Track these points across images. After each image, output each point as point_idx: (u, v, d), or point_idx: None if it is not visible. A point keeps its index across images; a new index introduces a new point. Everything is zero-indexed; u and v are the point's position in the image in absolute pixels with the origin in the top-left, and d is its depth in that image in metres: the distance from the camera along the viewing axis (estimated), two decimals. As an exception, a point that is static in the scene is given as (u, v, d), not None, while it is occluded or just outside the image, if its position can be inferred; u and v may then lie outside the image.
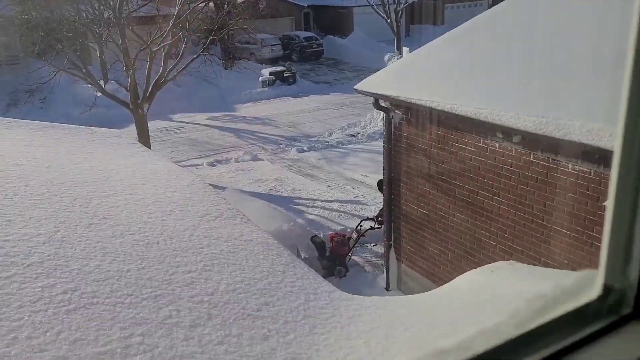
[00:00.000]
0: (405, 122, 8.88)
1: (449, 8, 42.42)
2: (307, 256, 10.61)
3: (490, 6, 43.63)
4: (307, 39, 35.87)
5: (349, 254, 10.80)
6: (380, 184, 10.52)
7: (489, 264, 3.62)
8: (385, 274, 10.12)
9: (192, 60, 16.13)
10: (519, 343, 0.54)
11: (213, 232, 4.01)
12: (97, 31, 16.11)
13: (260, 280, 3.40)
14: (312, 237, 11.14)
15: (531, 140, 6.70)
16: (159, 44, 15.14)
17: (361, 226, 11.07)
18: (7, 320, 2.46)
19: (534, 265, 6.74)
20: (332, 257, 10.59)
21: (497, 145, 7.28)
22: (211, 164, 17.42)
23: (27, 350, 2.34)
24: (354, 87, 9.42)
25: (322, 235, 11.29)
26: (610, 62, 7.00)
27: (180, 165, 17.00)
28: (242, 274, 3.44)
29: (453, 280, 3.52)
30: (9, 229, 3.19)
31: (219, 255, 3.63)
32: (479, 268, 3.56)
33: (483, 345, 0.51)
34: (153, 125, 19.60)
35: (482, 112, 6.98)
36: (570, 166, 6.42)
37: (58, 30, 14.91)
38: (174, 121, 23.07)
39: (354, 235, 10.89)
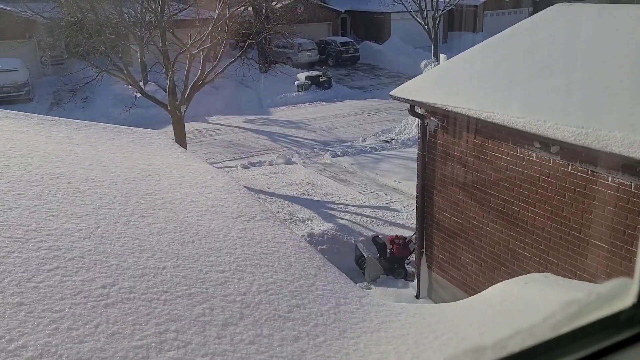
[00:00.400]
0: (440, 129, 8.82)
1: (487, 15, 41.90)
2: (370, 255, 10.85)
3: (530, 14, 42.98)
4: (343, 44, 35.94)
5: (409, 257, 10.98)
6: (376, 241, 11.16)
7: (523, 275, 3.57)
8: (415, 281, 10.05)
9: (229, 64, 16.36)
10: (553, 345, 0.55)
11: (247, 234, 4.07)
12: (139, 34, 16.50)
13: (292, 283, 3.43)
14: (373, 238, 11.52)
15: (570, 151, 6.57)
16: (198, 47, 15.41)
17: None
18: (49, 312, 2.56)
19: (570, 278, 6.61)
20: (393, 258, 10.90)
21: (534, 155, 7.17)
22: (245, 166, 17.61)
23: (67, 341, 2.42)
24: (390, 93, 9.41)
25: (382, 237, 11.53)
26: (655, 72, 6.83)
27: (215, 167, 17.29)
28: (275, 276, 3.48)
29: (485, 291, 3.49)
30: (53, 223, 3.31)
31: (251, 256, 3.69)
32: (512, 279, 3.52)
33: (518, 345, 0.52)
34: (190, 127, 19.98)
35: (520, 121, 6.88)
36: (610, 178, 6.27)
37: (102, 32, 15.34)
38: (210, 123, 23.41)
39: (414, 238, 10.97)
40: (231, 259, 3.53)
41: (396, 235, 11.29)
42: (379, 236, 11.59)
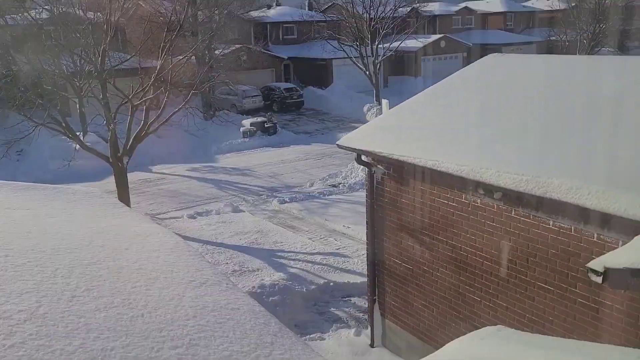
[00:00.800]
0: (387, 177, 8.97)
1: (425, 60, 43.65)
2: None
3: (464, 59, 45.13)
4: (287, 89, 36.46)
5: None
6: None
7: (478, 330, 3.60)
8: (369, 329, 9.98)
9: (173, 114, 16.19)
10: None
11: (199, 301, 3.93)
12: (78, 84, 16.17)
13: (248, 354, 3.32)
14: None
15: (512, 197, 6.80)
16: (140, 98, 15.21)
17: None
18: (-14, 411, 2.35)
19: (522, 329, 6.73)
20: None
21: (479, 201, 7.37)
22: (192, 216, 17.26)
23: None
24: (337, 142, 9.53)
25: None
26: (587, 120, 7.24)
27: (161, 218, 16.86)
28: (230, 347, 3.36)
29: (442, 349, 3.49)
30: (-11, 306, 3.10)
31: (205, 327, 3.56)
32: (467, 335, 3.54)
33: None
34: (133, 177, 19.50)
35: (464, 169, 7.09)
36: (551, 223, 6.51)
37: (39, 84, 14.92)
38: (154, 172, 22.96)
39: None
40: (184, 332, 3.39)
41: None
42: None
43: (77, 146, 16.12)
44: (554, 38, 40.20)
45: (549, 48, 42.63)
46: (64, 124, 14.62)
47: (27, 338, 2.87)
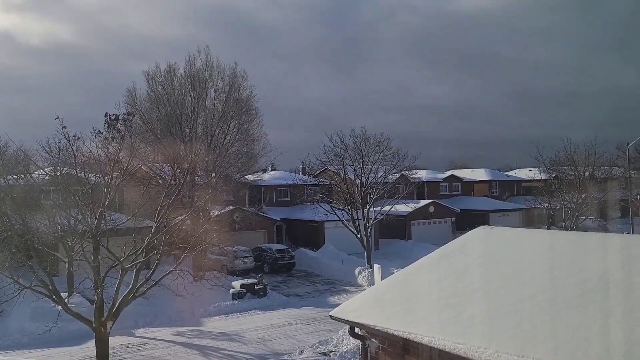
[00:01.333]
0: (382, 351, 8.59)
1: (415, 224, 44.61)
2: None
3: (453, 224, 46.14)
4: (279, 251, 36.57)
5: None
6: None
7: None
8: None
9: (164, 276, 16.00)
10: None
11: None
12: (70, 244, 16.14)
13: None
14: None
15: (514, 380, 6.44)
16: (132, 261, 15.12)
17: None
18: None
19: None
20: None
21: (479, 382, 6.97)
22: (172, 389, 16.15)
23: None
24: (330, 313, 9.29)
25: None
26: (580, 298, 7.16)
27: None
28: None
29: None
30: None
31: None
32: None
33: None
34: (114, 341, 18.60)
35: (461, 347, 6.83)
36: (557, 410, 6.09)
37: (30, 246, 14.89)
38: (136, 337, 21.98)
39: None
40: None
41: None
42: None
43: (61, 308, 15.60)
44: (538, 206, 41.63)
45: (534, 215, 43.96)
46: (50, 287, 14.30)
47: None
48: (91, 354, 14.75)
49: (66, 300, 16.37)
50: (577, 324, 6.57)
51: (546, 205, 39.91)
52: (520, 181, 62.00)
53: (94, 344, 15.27)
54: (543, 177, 44.51)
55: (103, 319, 14.63)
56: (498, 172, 64.83)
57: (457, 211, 46.85)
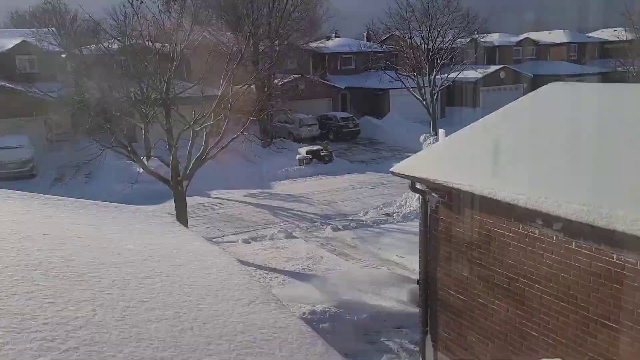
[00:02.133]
0: (442, 205, 8.82)
1: (484, 91, 43.10)
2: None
3: (525, 91, 44.21)
4: (344, 119, 36.75)
5: None
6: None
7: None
8: (421, 361, 9.71)
9: (232, 140, 16.63)
10: None
11: (247, 318, 3.96)
12: (144, 111, 16.90)
13: (293, 373, 3.31)
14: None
15: (573, 229, 6.53)
16: (201, 125, 15.73)
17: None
18: (39, 410, 2.44)
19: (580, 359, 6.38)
20: None
21: (537, 232, 7.12)
22: (246, 241, 17.51)
23: None
24: (390, 169, 9.49)
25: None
26: (652, 150, 6.91)
27: (216, 242, 17.18)
28: (276, 365, 3.36)
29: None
30: (49, 311, 3.23)
31: (252, 343, 3.58)
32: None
33: None
34: (191, 201, 20.04)
35: (521, 198, 6.89)
36: (615, 256, 6.20)
37: (107, 110, 15.73)
38: (211, 197, 23.51)
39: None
40: (231, 347, 3.42)
41: None
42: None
43: (141, 170, 16.76)
44: (620, 69, 38.86)
45: (615, 79, 41.24)
46: (129, 148, 15.28)
47: (81, 343, 2.97)
48: (171, 211, 15.99)
49: (145, 163, 17.52)
50: (645, 175, 6.41)
51: (630, 68, 37.19)
52: (603, 43, 57.43)
53: (173, 203, 16.50)
54: (629, 38, 40.99)
55: (179, 178, 15.64)
56: (578, 34, 59.99)
57: (530, 77, 44.62)
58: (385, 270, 14.37)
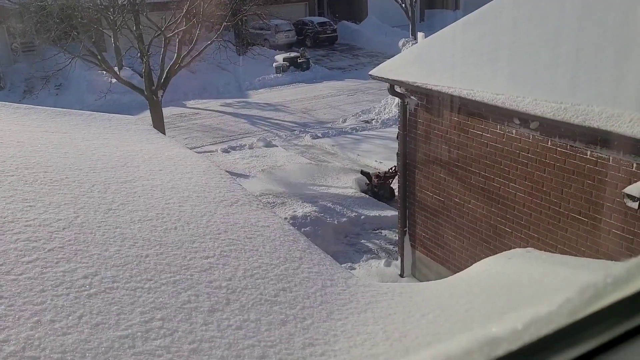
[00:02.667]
0: (420, 108, 8.81)
1: (464, -7, 41.79)
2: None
3: (506, -10, 42.89)
4: (321, 24, 35.63)
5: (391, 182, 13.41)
6: (363, 172, 13.73)
7: (506, 251, 3.60)
8: (399, 260, 10.12)
9: (206, 47, 16.10)
10: (570, 332, 0.53)
11: (230, 218, 4.03)
12: (112, 17, 16.13)
13: (277, 266, 3.41)
14: (361, 170, 14.08)
15: (549, 127, 6.61)
16: (173, 30, 15.13)
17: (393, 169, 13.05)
18: (30, 304, 2.50)
19: (551, 252, 6.70)
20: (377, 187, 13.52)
21: (514, 131, 7.21)
22: (225, 151, 17.47)
23: (50, 333, 2.37)
24: (369, 72, 9.35)
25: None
26: (631, 45, 6.89)
27: (195, 152, 17.13)
28: (260, 260, 3.45)
29: (469, 268, 3.52)
30: (30, 214, 3.23)
31: (236, 241, 3.65)
32: (495, 255, 3.54)
33: (535, 334, 0.50)
34: (167, 112, 19.70)
35: (500, 98, 6.90)
36: (588, 153, 6.34)
37: (73, 17, 14.96)
38: (188, 107, 23.13)
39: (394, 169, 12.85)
40: (215, 245, 3.49)
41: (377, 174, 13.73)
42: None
43: (113, 79, 16.27)
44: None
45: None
46: (99, 57, 14.72)
47: (65, 243, 3.00)
48: (147, 121, 15.74)
49: (117, 72, 16.96)
50: (626, 71, 6.43)
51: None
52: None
53: (149, 114, 16.20)
54: None
55: (153, 87, 15.25)
56: None
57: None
58: (337, 164, 16.03)
